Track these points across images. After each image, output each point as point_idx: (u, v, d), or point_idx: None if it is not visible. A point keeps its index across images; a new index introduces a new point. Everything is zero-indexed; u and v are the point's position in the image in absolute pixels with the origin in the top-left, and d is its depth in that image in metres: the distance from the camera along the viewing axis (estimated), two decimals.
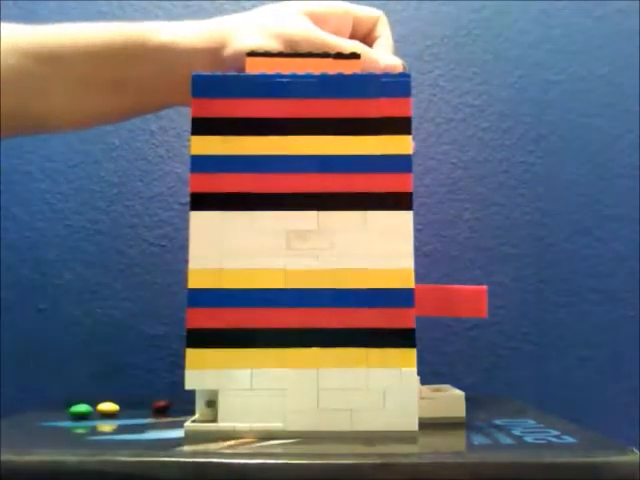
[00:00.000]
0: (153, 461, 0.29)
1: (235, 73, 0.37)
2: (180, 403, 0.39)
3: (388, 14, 0.45)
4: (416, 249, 0.35)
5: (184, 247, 0.36)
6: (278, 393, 0.34)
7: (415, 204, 0.36)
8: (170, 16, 0.64)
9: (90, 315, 0.61)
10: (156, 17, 0.64)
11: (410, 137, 0.36)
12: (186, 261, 0.35)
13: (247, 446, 0.31)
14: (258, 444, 0.32)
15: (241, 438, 0.33)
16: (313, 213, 0.36)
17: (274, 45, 0.41)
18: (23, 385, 0.60)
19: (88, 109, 0.46)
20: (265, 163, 0.36)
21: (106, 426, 0.37)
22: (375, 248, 0.35)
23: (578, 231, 0.63)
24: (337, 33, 0.42)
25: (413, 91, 0.37)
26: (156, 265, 0.62)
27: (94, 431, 0.35)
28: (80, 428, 0.36)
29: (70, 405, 0.40)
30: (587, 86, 0.64)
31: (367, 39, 0.44)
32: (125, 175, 0.64)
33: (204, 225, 0.36)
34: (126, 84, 0.44)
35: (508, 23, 0.65)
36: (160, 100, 0.46)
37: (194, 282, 0.35)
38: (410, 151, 0.36)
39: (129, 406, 0.42)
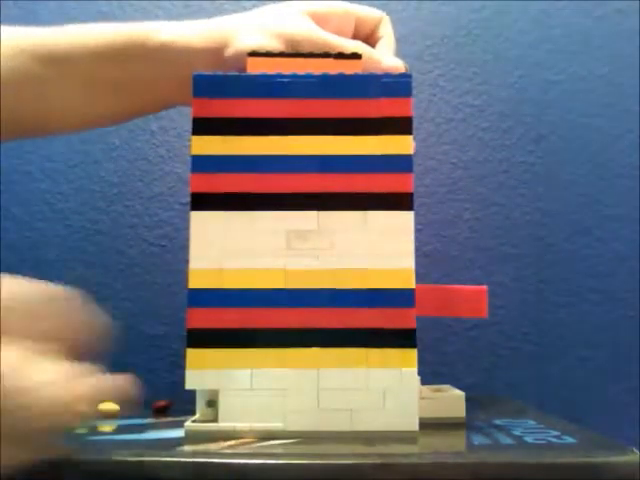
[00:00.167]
0: (153, 461, 0.29)
1: (236, 73, 0.37)
2: (180, 403, 0.39)
3: (388, 14, 0.45)
4: (416, 249, 0.35)
5: (184, 247, 0.36)
6: (278, 393, 0.34)
7: (415, 204, 0.36)
8: (170, 16, 0.64)
9: None
10: (156, 17, 0.64)
11: (411, 137, 0.36)
12: (186, 261, 0.35)
13: (247, 446, 0.31)
14: (258, 444, 0.32)
15: (241, 438, 0.33)
16: (313, 213, 0.36)
17: (275, 45, 0.41)
18: None
19: (90, 111, 0.46)
20: (265, 163, 0.36)
21: (106, 426, 0.37)
22: (375, 248, 0.35)
23: (578, 231, 0.63)
24: (339, 33, 0.42)
25: (413, 91, 0.37)
26: (156, 265, 0.62)
27: (94, 431, 0.35)
28: (80, 428, 0.36)
29: None
30: (587, 86, 0.64)
31: (369, 39, 0.44)
32: (125, 175, 0.64)
33: (204, 225, 0.36)
34: (128, 84, 0.44)
35: (508, 23, 0.65)
36: (161, 100, 0.46)
37: (194, 282, 0.35)
38: (411, 151, 0.36)
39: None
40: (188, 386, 0.35)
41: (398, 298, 0.35)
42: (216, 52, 0.42)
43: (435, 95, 0.64)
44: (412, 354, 0.35)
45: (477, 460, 0.29)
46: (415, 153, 0.37)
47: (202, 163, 0.36)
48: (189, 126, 0.36)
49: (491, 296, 0.38)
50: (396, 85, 0.36)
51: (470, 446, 0.32)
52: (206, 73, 0.37)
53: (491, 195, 0.63)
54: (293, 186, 0.36)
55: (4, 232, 0.62)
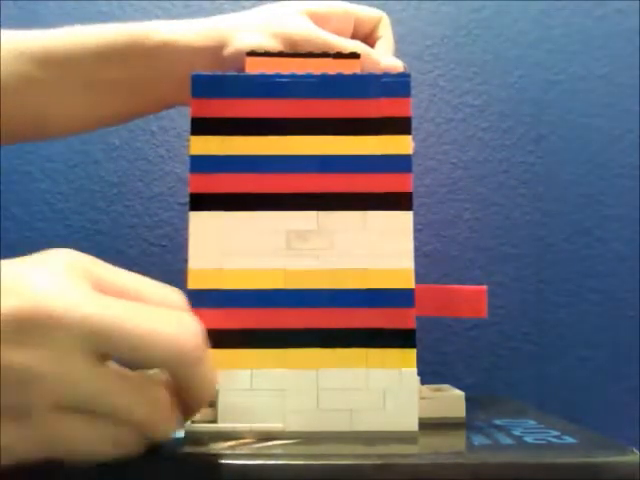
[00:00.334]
0: (153, 462, 0.29)
1: (235, 73, 0.37)
2: None
3: (388, 14, 0.45)
4: (416, 249, 0.35)
5: (184, 247, 0.36)
6: (278, 393, 0.34)
7: (415, 204, 0.36)
8: (170, 16, 0.64)
9: None
10: (156, 17, 0.64)
11: (410, 137, 0.36)
12: (186, 261, 0.35)
13: (247, 446, 0.31)
14: (258, 444, 0.32)
15: (241, 438, 0.33)
16: (313, 213, 0.36)
17: (274, 45, 0.41)
18: None
19: (91, 112, 0.46)
20: (265, 163, 0.36)
21: None
22: (375, 248, 0.35)
23: (578, 231, 0.63)
24: (338, 33, 0.42)
25: (413, 91, 0.37)
26: (156, 265, 0.62)
27: None
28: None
29: None
30: (587, 86, 0.64)
31: (368, 40, 0.44)
32: (125, 175, 0.64)
33: (204, 225, 0.36)
34: (128, 85, 0.44)
35: (508, 23, 0.65)
36: (162, 100, 0.46)
37: (194, 282, 0.35)
38: (410, 151, 0.36)
39: None
40: None
41: (398, 298, 0.35)
42: (215, 51, 0.42)
43: (435, 95, 0.64)
44: (412, 354, 0.35)
45: (477, 460, 0.29)
46: (415, 153, 0.37)
47: (201, 163, 0.36)
48: (189, 126, 0.36)
49: (491, 296, 0.38)
50: (395, 85, 0.36)
51: (470, 446, 0.32)
52: (204, 73, 0.37)
53: (491, 195, 0.63)
54: (293, 186, 0.36)
55: (4, 232, 0.62)
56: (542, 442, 0.32)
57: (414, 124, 0.37)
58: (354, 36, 0.44)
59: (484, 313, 0.37)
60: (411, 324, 0.35)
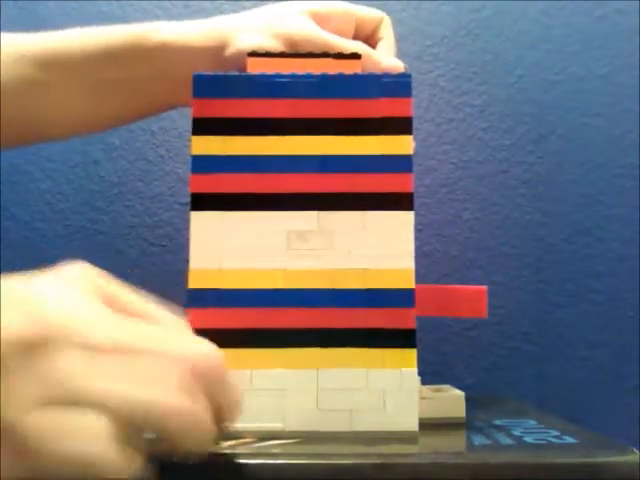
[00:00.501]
0: (152, 461, 0.29)
1: (236, 73, 0.37)
2: None
3: (388, 14, 0.45)
4: (416, 249, 0.35)
5: (184, 247, 0.36)
6: (278, 393, 0.34)
7: (415, 204, 0.36)
8: (170, 16, 0.64)
9: None
10: (156, 17, 0.64)
11: (411, 137, 0.36)
12: (186, 261, 0.35)
13: (247, 446, 0.31)
14: (258, 444, 0.32)
15: (241, 438, 0.33)
16: (313, 213, 0.36)
17: (275, 45, 0.41)
18: None
19: (92, 115, 0.46)
20: (265, 163, 0.36)
21: None
22: (375, 248, 0.35)
23: (578, 231, 0.63)
24: (339, 33, 0.42)
25: (413, 91, 0.37)
26: (156, 265, 0.62)
27: None
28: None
29: None
30: (587, 86, 0.64)
31: (370, 40, 0.44)
32: (125, 175, 0.64)
33: (204, 225, 0.36)
34: (129, 86, 0.44)
35: (508, 23, 0.65)
36: (163, 101, 0.46)
37: (194, 282, 0.35)
38: (410, 151, 0.36)
39: None
40: None
41: (398, 298, 0.35)
42: (216, 52, 0.42)
43: (435, 95, 0.64)
44: (412, 354, 0.35)
45: (477, 460, 0.29)
46: (415, 153, 0.37)
47: (202, 163, 0.36)
48: (189, 126, 0.36)
49: (491, 296, 0.38)
50: (396, 85, 0.36)
51: (470, 446, 0.32)
52: (206, 73, 0.37)
53: (491, 195, 0.63)
54: (293, 186, 0.36)
55: (4, 232, 0.62)
56: (542, 442, 0.32)
57: (414, 124, 0.37)
58: (355, 37, 0.44)
59: (484, 313, 0.37)
60: (411, 324, 0.35)
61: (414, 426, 0.34)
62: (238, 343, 0.35)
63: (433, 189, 0.63)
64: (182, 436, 0.25)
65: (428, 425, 0.35)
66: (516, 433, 0.34)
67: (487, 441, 0.33)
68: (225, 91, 0.36)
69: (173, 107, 0.48)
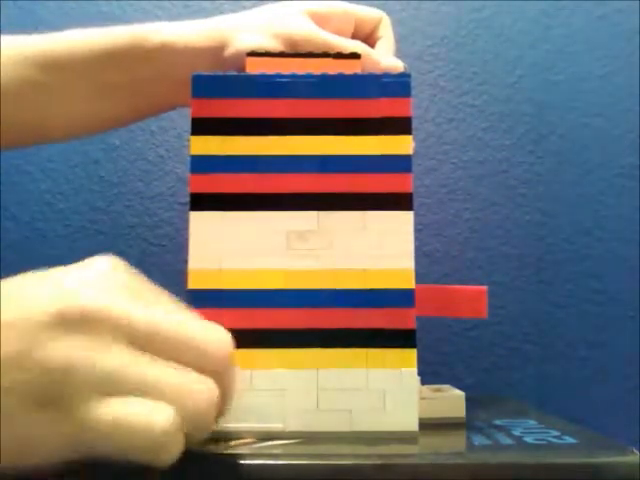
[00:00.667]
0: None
1: (235, 73, 0.37)
2: None
3: (388, 14, 0.45)
4: (416, 249, 0.35)
5: (184, 247, 0.36)
6: (278, 393, 0.34)
7: (415, 204, 0.36)
8: (170, 16, 0.64)
9: None
10: (156, 17, 0.64)
11: (410, 137, 0.36)
12: (186, 261, 0.35)
13: (247, 446, 0.31)
14: (258, 444, 0.32)
15: (241, 438, 0.33)
16: (313, 213, 0.36)
17: (275, 45, 0.41)
18: None
19: (93, 116, 0.46)
20: (265, 163, 0.36)
21: None
22: (375, 248, 0.35)
23: (578, 231, 0.63)
24: (339, 33, 0.42)
25: (413, 91, 0.37)
26: (156, 265, 0.62)
27: None
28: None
29: None
30: (587, 86, 0.64)
31: (369, 40, 0.44)
32: (125, 175, 0.64)
33: (204, 225, 0.36)
34: (129, 87, 0.44)
35: (508, 23, 0.65)
36: (164, 102, 0.46)
37: (194, 282, 0.35)
38: (410, 151, 0.36)
39: None
40: None
41: (398, 298, 0.35)
42: (215, 52, 0.42)
43: (435, 95, 0.64)
44: (412, 354, 0.35)
45: (477, 460, 0.29)
46: (415, 153, 0.37)
47: (201, 163, 0.36)
48: (188, 126, 0.36)
49: (491, 296, 0.38)
50: (395, 85, 0.36)
51: (470, 446, 0.32)
52: (205, 73, 0.37)
53: (491, 195, 0.63)
54: (293, 186, 0.36)
55: (4, 232, 0.62)
56: (542, 442, 0.32)
57: (414, 124, 0.37)
58: (355, 36, 0.44)
59: (484, 313, 0.37)
60: (411, 324, 0.35)
61: (414, 426, 0.34)
62: (238, 343, 0.34)
63: (433, 189, 0.63)
64: (204, 420, 0.26)
65: (428, 425, 0.35)
66: (516, 433, 0.34)
67: (487, 441, 0.33)
68: (224, 91, 0.36)
69: (173, 107, 0.48)
